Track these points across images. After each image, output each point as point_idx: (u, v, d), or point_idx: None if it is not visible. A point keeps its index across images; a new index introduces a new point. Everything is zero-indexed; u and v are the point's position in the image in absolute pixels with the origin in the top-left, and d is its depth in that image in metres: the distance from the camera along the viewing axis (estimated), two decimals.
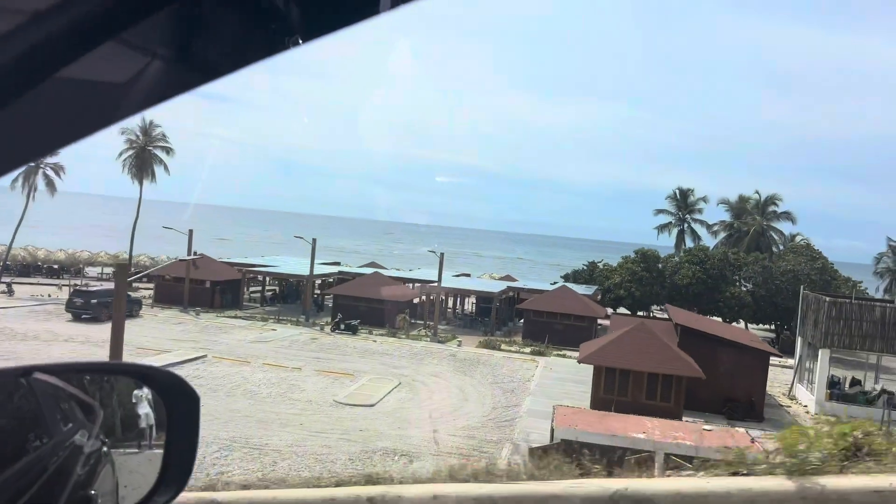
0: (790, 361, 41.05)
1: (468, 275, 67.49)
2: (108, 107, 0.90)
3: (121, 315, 19.39)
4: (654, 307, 59.63)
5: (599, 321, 47.97)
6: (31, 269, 64.85)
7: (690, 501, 3.13)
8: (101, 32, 0.79)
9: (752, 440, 18.11)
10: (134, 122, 57.46)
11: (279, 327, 44.84)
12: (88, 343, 35.11)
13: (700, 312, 48.35)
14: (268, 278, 58.34)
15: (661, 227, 71.39)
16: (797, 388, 37.16)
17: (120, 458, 2.07)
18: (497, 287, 54.17)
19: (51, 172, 56.14)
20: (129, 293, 35.14)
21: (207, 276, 49.98)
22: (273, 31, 0.85)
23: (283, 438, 23.12)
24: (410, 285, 55.54)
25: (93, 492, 1.93)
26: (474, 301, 58.18)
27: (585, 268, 64.86)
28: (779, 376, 38.68)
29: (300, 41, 0.86)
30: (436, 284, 48.39)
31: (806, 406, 34.36)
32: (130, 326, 28.85)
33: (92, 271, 67.09)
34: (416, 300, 52.71)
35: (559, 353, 42.34)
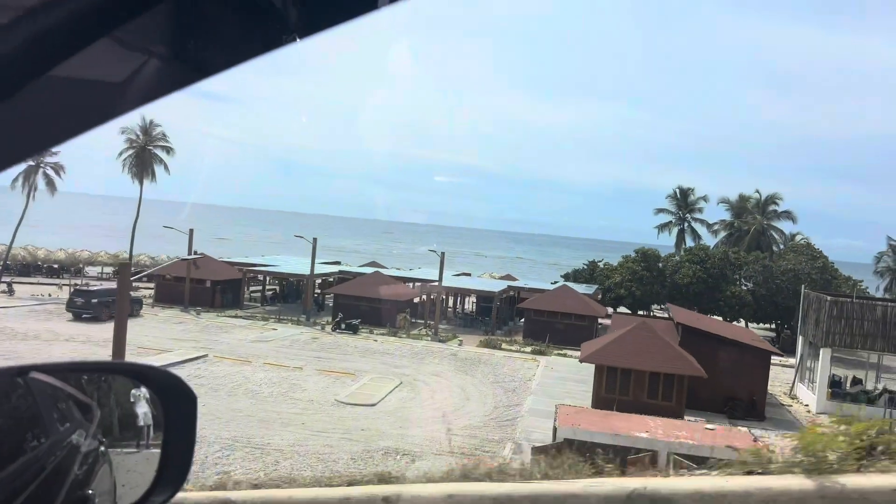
0: (791, 360, 41.05)
1: (468, 274, 67.47)
2: (103, 104, 0.89)
3: (123, 314, 19.38)
4: (654, 306, 59.63)
5: (600, 320, 47.97)
6: (30, 268, 64.82)
7: (709, 500, 3.12)
8: (95, 29, 0.78)
9: (755, 439, 18.12)
10: (134, 121, 57.50)
11: (280, 327, 44.83)
12: (89, 343, 35.07)
13: (700, 311, 48.34)
14: (268, 278, 58.30)
15: (662, 227, 71.39)
16: (798, 387, 37.17)
17: (117, 457, 2.07)
18: (497, 286, 54.15)
19: (51, 172, 56.11)
20: (130, 293, 35.11)
21: (208, 276, 49.96)
22: (270, 27, 0.84)
23: (284, 438, 23.11)
24: (411, 285, 55.53)
25: (90, 491, 1.93)
26: (475, 300, 58.18)
27: (586, 267, 64.84)
28: (780, 375, 38.68)
29: (298, 37, 0.85)
30: (436, 284, 48.38)
31: (807, 405, 34.36)
32: (131, 326, 28.81)
33: (92, 271, 67.04)
34: (416, 299, 52.71)
35: (560, 352, 42.32)
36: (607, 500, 3.24)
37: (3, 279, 53.05)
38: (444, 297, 51.27)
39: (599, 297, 56.12)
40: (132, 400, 2.09)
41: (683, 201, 70.98)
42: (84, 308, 41.57)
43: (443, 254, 47.94)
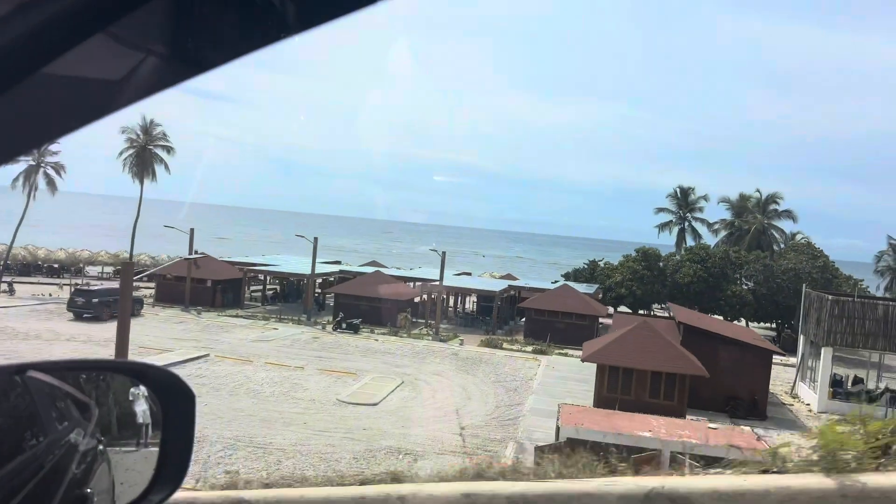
0: (792, 360, 41.04)
1: (469, 274, 67.46)
2: (98, 100, 0.88)
3: (126, 313, 19.36)
4: (655, 306, 59.62)
5: (601, 320, 47.95)
6: (31, 268, 64.79)
7: (728, 499, 3.10)
8: (89, 25, 0.77)
9: (758, 438, 18.12)
10: (134, 120, 57.50)
11: (281, 326, 44.81)
12: (90, 342, 35.06)
13: (701, 311, 48.34)
14: (268, 277, 58.28)
15: (662, 226, 71.37)
16: (799, 386, 37.16)
17: (116, 456, 2.07)
18: (498, 286, 54.15)
19: (51, 172, 56.07)
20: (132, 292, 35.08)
21: (208, 276, 49.93)
22: (267, 21, 0.82)
23: (286, 437, 23.10)
24: (411, 284, 55.52)
25: (88, 490, 1.92)
26: (475, 300, 58.16)
27: (586, 266, 64.83)
28: (781, 374, 38.66)
29: (296, 32, 0.84)
30: (437, 283, 48.37)
31: (808, 404, 34.36)
32: (132, 325, 28.73)
33: (92, 270, 67.01)
34: (417, 299, 52.69)
35: (561, 351, 42.32)
36: (624, 499, 3.22)
37: (3, 279, 53.01)
38: (444, 296, 51.25)
39: (600, 296, 56.12)
40: (130, 398, 2.08)
41: (684, 200, 70.96)
42: (85, 308, 41.55)
43: (444, 253, 47.93)
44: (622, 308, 56.65)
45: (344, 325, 44.33)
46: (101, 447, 2.03)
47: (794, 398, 36.26)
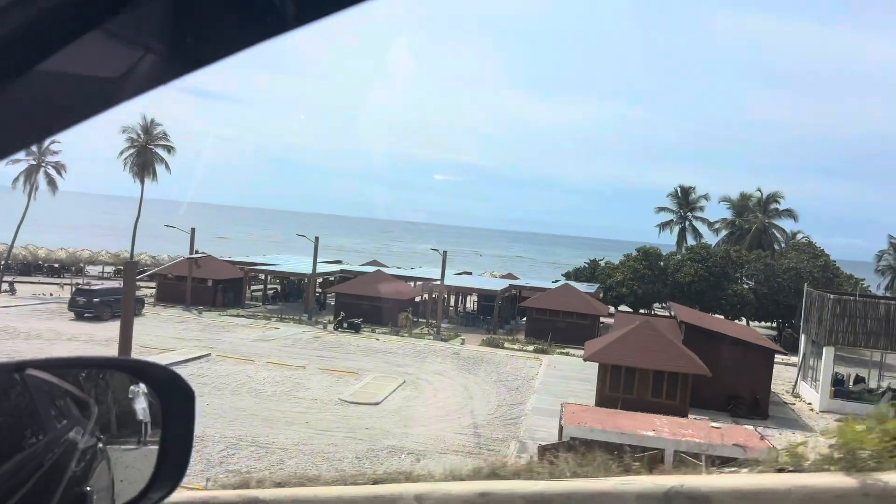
0: (793, 359, 41.03)
1: (470, 273, 67.42)
2: (94, 97, 0.88)
3: (130, 313, 19.34)
4: (656, 305, 59.59)
5: (602, 319, 47.94)
6: (31, 268, 64.77)
7: (748, 498, 3.09)
8: (85, 21, 0.76)
9: (761, 437, 18.12)
10: (135, 120, 57.46)
11: (282, 326, 44.79)
12: (92, 342, 35.04)
13: (702, 310, 48.32)
14: (269, 277, 58.24)
15: (663, 225, 71.32)
16: (801, 385, 37.16)
17: (115, 454, 2.06)
18: (499, 285, 54.14)
19: (52, 171, 56.05)
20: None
21: (209, 275, 49.91)
22: (266, 15, 0.82)
23: (289, 437, 23.08)
24: (412, 283, 55.49)
25: (88, 488, 1.92)
26: (476, 299, 58.14)
27: (587, 266, 64.80)
28: (782, 374, 38.63)
29: (294, 26, 0.83)
30: (438, 282, 48.35)
31: (810, 403, 34.35)
32: (134, 325, 28.80)
33: (93, 270, 67.00)
34: (417, 298, 52.67)
35: (562, 351, 42.32)
36: (643, 498, 3.21)
37: (4, 279, 52.98)
38: (445, 295, 51.23)
39: (601, 295, 56.09)
40: (130, 396, 2.08)
41: (685, 200, 70.93)
42: (86, 307, 41.53)
43: (445, 252, 47.87)
44: (623, 307, 56.64)
45: (345, 325, 44.31)
46: (100, 445, 2.03)
47: (795, 397, 36.26)
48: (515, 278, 64.47)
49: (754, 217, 67.46)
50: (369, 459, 21.50)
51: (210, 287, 49.92)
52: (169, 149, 59.01)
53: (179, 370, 2.02)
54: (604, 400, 27.71)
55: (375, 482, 4.12)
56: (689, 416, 26.51)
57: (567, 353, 41.51)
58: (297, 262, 58.18)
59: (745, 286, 57.28)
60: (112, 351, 26.35)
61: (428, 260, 79.01)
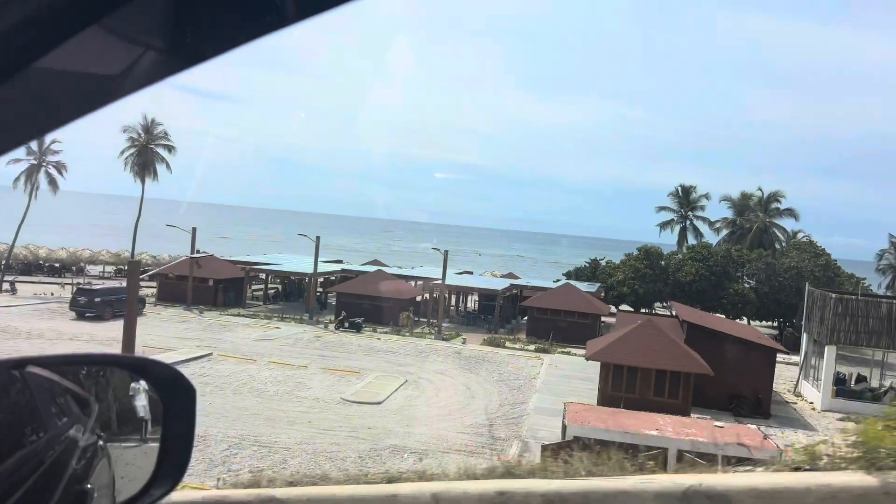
0: (795, 358, 41.02)
1: (471, 272, 67.42)
2: (91, 93, 0.87)
3: (133, 312, 19.33)
4: (657, 304, 59.59)
5: (603, 318, 47.93)
6: (32, 267, 64.76)
7: (767, 497, 3.08)
8: (82, 17, 0.76)
9: (765, 437, 18.11)
10: (135, 119, 57.44)
11: (283, 325, 44.78)
12: (93, 341, 35.03)
13: (703, 309, 48.30)
14: (270, 276, 58.24)
15: (664, 225, 71.27)
16: (803, 384, 37.14)
17: (116, 451, 2.05)
18: (500, 284, 54.14)
19: (53, 171, 56.04)
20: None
21: (210, 275, 49.91)
22: (265, 10, 0.82)
23: (291, 436, 23.08)
24: (413, 283, 55.48)
25: (89, 486, 1.92)
26: (477, 298, 58.12)
27: (588, 265, 64.80)
28: (783, 373, 38.63)
29: (293, 21, 0.83)
30: (439, 282, 48.33)
31: (812, 403, 34.34)
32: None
33: (93, 270, 66.99)
34: (418, 298, 52.67)
35: (563, 350, 42.32)
36: (661, 497, 3.20)
37: (6, 278, 52.98)
38: (446, 295, 51.22)
39: (602, 295, 56.08)
40: (131, 393, 2.07)
41: (685, 199, 70.89)
42: (87, 307, 41.52)
43: (446, 252, 47.84)
44: (624, 306, 56.65)
45: (346, 324, 44.30)
46: (101, 443, 2.02)
47: (797, 396, 36.25)
48: (516, 278, 64.48)
49: (755, 216, 67.43)
50: (372, 459, 21.49)
51: (211, 287, 49.91)
52: (170, 148, 59.05)
53: (181, 369, 2.01)
54: (606, 399, 27.70)
55: (389, 481, 4.11)
56: (692, 415, 26.51)
57: (568, 353, 41.51)
58: (298, 262, 58.17)
59: (747, 285, 57.26)
60: (114, 350, 26.33)
61: (429, 259, 79.03)
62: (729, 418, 28.32)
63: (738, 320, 52.22)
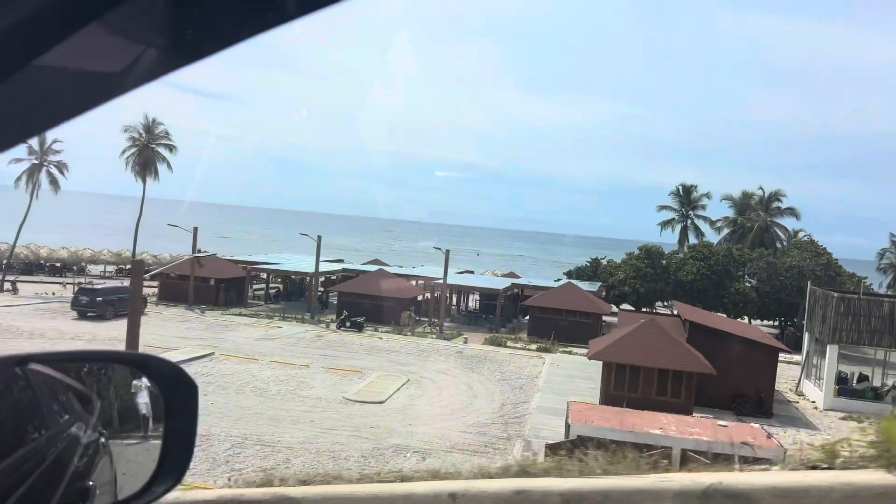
0: (796, 357, 41.02)
1: (472, 272, 67.44)
2: (92, 90, 0.87)
3: (137, 311, 19.31)
4: (658, 303, 59.60)
5: (604, 318, 47.91)
6: (33, 267, 64.75)
7: (787, 495, 3.07)
8: (82, 14, 0.76)
9: (769, 436, 18.10)
10: (136, 119, 57.43)
11: (284, 325, 44.77)
12: (95, 341, 35.02)
13: (705, 308, 48.30)
14: (271, 276, 58.23)
15: (665, 224, 71.26)
16: (804, 383, 37.13)
17: (118, 448, 2.05)
18: (501, 284, 54.12)
19: (54, 170, 56.03)
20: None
21: (212, 274, 49.91)
22: (265, 5, 0.81)
23: (294, 435, 23.06)
24: (414, 282, 55.48)
25: (91, 482, 1.92)
26: (478, 298, 58.12)
27: (588, 264, 64.81)
28: (785, 372, 38.62)
29: (294, 17, 0.82)
30: (440, 281, 48.32)
31: (814, 402, 34.32)
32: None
33: (94, 269, 66.98)
34: (420, 297, 52.66)
35: (565, 349, 42.31)
36: (681, 496, 3.18)
37: (7, 278, 52.98)
38: (447, 294, 51.21)
39: (603, 294, 56.08)
40: (133, 391, 2.08)
41: (686, 198, 70.90)
42: (89, 306, 41.51)
43: (447, 251, 47.82)
44: (625, 306, 56.65)
45: (348, 324, 44.29)
46: (102, 440, 2.02)
47: (799, 395, 36.24)
48: (517, 277, 64.49)
49: (756, 215, 67.42)
50: (375, 458, 21.49)
51: (212, 286, 49.89)
52: (170, 147, 59.05)
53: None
54: (608, 398, 27.70)
55: (403, 480, 4.09)
56: (694, 414, 26.51)
57: (570, 352, 41.50)
58: (299, 261, 58.17)
59: (748, 284, 57.26)
60: (120, 349, 26.29)
61: (429, 259, 78.97)
62: (731, 417, 28.32)
63: (739, 319, 52.24)
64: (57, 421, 1.81)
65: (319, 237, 50.15)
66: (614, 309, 52.79)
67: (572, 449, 4.21)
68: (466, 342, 42.86)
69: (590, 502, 3.30)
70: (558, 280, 60.39)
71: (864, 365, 36.26)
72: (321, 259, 52.08)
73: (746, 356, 31.18)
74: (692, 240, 68.24)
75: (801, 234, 67.01)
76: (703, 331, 32.61)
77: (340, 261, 67.25)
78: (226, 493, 4.06)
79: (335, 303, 52.07)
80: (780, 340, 46.05)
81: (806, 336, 39.31)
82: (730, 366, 29.95)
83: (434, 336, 44.00)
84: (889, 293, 59.51)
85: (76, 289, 45.42)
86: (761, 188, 69.10)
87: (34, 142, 51.79)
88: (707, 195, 71.15)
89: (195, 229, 47.21)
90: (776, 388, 33.78)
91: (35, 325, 38.09)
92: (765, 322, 60.16)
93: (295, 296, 58.08)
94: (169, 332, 38.58)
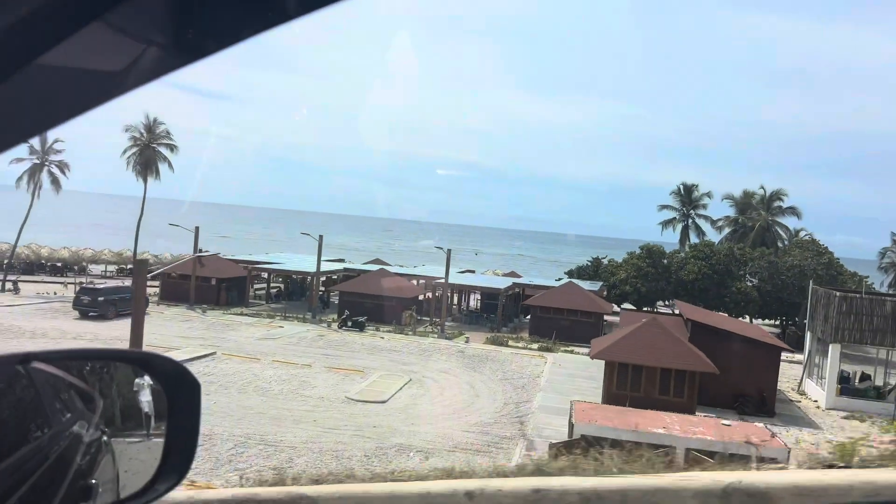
0: (798, 356, 41.02)
1: (473, 271, 67.45)
2: (94, 89, 0.87)
3: (140, 311, 19.31)
4: (659, 303, 59.59)
5: (606, 317, 47.90)
6: (34, 267, 64.75)
7: (808, 494, 3.05)
8: (84, 14, 0.76)
9: (773, 435, 18.09)
10: (137, 118, 57.41)
11: (286, 324, 44.77)
12: (97, 340, 35.04)
13: (706, 308, 48.27)
14: (272, 275, 58.22)
15: (666, 223, 71.21)
16: (807, 382, 37.12)
17: (120, 446, 2.05)
18: (502, 283, 54.11)
19: (56, 170, 56.02)
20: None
21: (213, 274, 49.90)
22: (267, 4, 0.81)
23: (297, 435, 23.06)
24: (415, 282, 55.47)
25: (93, 481, 1.92)
26: (479, 297, 58.11)
27: (589, 264, 64.79)
28: (787, 371, 38.61)
29: (295, 15, 0.82)
30: (441, 280, 48.31)
31: (816, 401, 34.32)
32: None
33: (95, 269, 66.98)
34: (421, 297, 52.64)
35: (566, 349, 42.30)
36: (701, 495, 3.17)
37: (8, 277, 52.97)
38: (449, 294, 51.19)
39: (604, 293, 56.06)
40: (135, 389, 2.07)
41: (687, 197, 70.86)
42: (90, 306, 41.52)
43: (449, 251, 47.82)
44: (626, 305, 56.63)
45: (349, 323, 44.28)
46: (105, 438, 2.02)
47: (801, 395, 36.23)
48: (518, 276, 64.49)
49: (757, 215, 67.39)
50: (378, 457, 21.49)
51: (214, 286, 49.89)
52: (171, 147, 59.02)
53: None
54: (611, 398, 27.69)
55: (417, 479, 4.08)
56: (697, 413, 26.49)
57: (571, 351, 41.50)
58: (300, 261, 58.15)
59: (749, 284, 57.24)
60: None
61: (430, 258, 78.98)
62: (733, 417, 28.32)
63: (740, 319, 52.24)
64: (59, 419, 1.81)
65: (321, 237, 50.13)
66: (615, 308, 52.76)
67: (587, 449, 4.19)
68: (468, 342, 42.85)
69: (608, 501, 3.29)
70: (559, 279, 60.38)
71: (866, 364, 36.24)
72: (322, 258, 52.08)
73: (748, 355, 31.17)
74: (693, 239, 68.24)
75: (802, 234, 67.00)
76: (705, 330, 32.61)
77: (341, 260, 67.24)
78: (241, 492, 4.05)
79: (336, 302, 52.07)
80: (781, 340, 46.02)
81: (808, 335, 39.30)
82: (732, 365, 29.95)
83: (435, 335, 43.99)
84: (891, 292, 59.48)
85: (78, 288, 45.42)
86: (762, 187, 69.10)
87: (35, 141, 51.77)
88: (708, 194, 71.16)
89: (196, 229, 47.22)
90: (778, 387, 33.78)
91: (37, 324, 38.09)
92: (766, 321, 60.13)
93: (296, 295, 58.07)
94: (170, 332, 38.59)
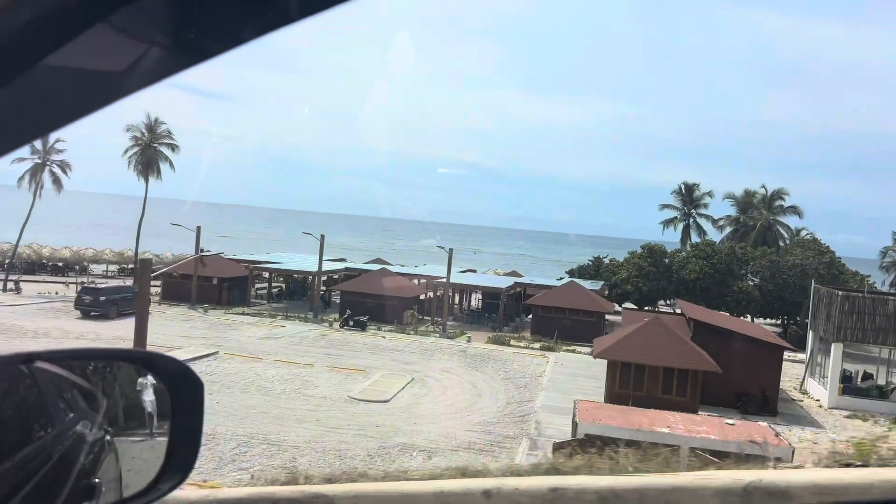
0: (800, 355, 41.01)
1: (474, 271, 67.44)
2: (98, 91, 0.87)
3: (144, 310, 19.31)
4: (660, 302, 59.58)
5: (607, 316, 47.90)
6: (35, 266, 64.77)
7: (828, 492, 3.04)
8: (87, 15, 0.77)
9: (776, 434, 18.08)
10: (139, 118, 57.42)
11: (287, 324, 44.77)
12: (99, 340, 35.09)
13: (708, 307, 48.26)
14: (273, 275, 58.21)
15: (667, 222, 71.19)
16: (809, 382, 37.12)
17: (123, 446, 2.05)
18: (504, 283, 54.10)
19: (57, 170, 56.04)
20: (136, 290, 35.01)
21: (214, 273, 49.90)
22: (269, 6, 0.82)
23: (300, 434, 23.06)
24: (416, 281, 55.47)
25: (97, 480, 1.92)
26: (480, 297, 58.11)
27: (591, 263, 64.77)
28: (788, 370, 38.60)
29: (298, 18, 0.82)
30: (443, 280, 48.30)
31: (818, 400, 34.31)
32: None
33: (97, 269, 67.00)
34: (422, 296, 52.63)
35: (568, 348, 42.30)
36: (722, 493, 3.16)
37: (10, 277, 52.99)
38: (450, 293, 51.18)
39: (606, 293, 56.06)
40: (138, 388, 2.06)
41: (689, 197, 70.84)
42: (92, 306, 41.53)
43: (450, 250, 47.81)
44: (627, 304, 56.61)
45: (351, 323, 44.29)
46: (108, 437, 2.02)
47: (803, 394, 36.23)
48: (519, 276, 64.48)
49: (759, 214, 67.38)
50: (381, 457, 21.49)
51: (215, 285, 49.90)
52: (173, 147, 59.00)
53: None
54: (613, 397, 27.68)
55: (434, 478, 4.07)
56: (699, 412, 26.48)
57: (573, 351, 41.50)
58: (302, 261, 58.14)
59: (751, 283, 57.23)
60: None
61: (431, 258, 78.96)
62: (736, 416, 28.30)
63: (742, 318, 52.22)
64: (63, 419, 1.81)
65: (322, 236, 50.13)
66: (617, 308, 52.76)
67: (602, 448, 4.18)
68: (470, 341, 42.86)
69: (626, 500, 3.28)
70: (560, 279, 60.38)
71: (868, 363, 36.22)
72: (323, 258, 52.08)
73: (751, 354, 31.15)
74: (695, 238, 68.22)
75: (803, 233, 66.97)
76: (707, 329, 32.59)
77: (343, 260, 67.23)
78: (256, 490, 4.04)
79: (338, 302, 52.06)
80: (782, 339, 46.02)
81: (810, 334, 39.29)
82: (734, 364, 29.93)
83: (437, 335, 43.99)
84: (893, 291, 59.45)
85: (79, 288, 45.44)
86: (764, 187, 69.09)
87: (37, 141, 51.79)
88: (709, 194, 71.13)
89: (198, 228, 47.22)
90: (780, 386, 33.77)
91: (39, 324, 38.11)
92: (767, 321, 60.10)
93: (297, 295, 58.08)
94: (172, 332, 38.62)
